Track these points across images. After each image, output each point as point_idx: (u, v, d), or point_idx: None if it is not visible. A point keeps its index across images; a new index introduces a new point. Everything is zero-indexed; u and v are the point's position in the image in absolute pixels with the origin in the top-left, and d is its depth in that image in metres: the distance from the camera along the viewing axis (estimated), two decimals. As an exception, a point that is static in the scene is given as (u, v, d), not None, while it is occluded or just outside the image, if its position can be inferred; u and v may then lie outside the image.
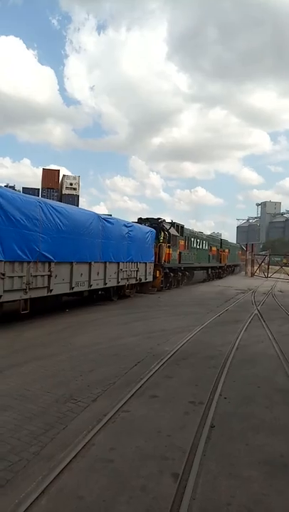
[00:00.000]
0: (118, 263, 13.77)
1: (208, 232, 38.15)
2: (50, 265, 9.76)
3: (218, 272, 32.77)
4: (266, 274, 38.61)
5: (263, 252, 53.25)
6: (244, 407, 4.47)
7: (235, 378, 5.48)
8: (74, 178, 61.07)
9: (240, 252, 45.75)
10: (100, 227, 12.39)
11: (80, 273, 11.22)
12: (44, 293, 9.72)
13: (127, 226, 14.60)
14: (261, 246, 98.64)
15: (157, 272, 18.10)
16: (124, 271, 14.35)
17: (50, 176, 61.68)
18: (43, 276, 9.58)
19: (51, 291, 9.90)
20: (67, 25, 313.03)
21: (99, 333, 8.47)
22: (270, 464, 3.24)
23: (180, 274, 21.75)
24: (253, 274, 39.41)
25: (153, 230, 17.53)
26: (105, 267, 12.81)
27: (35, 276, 9.26)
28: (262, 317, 11.40)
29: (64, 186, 58.93)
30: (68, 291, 10.85)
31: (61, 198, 56.60)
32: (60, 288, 10.36)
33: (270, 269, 39.46)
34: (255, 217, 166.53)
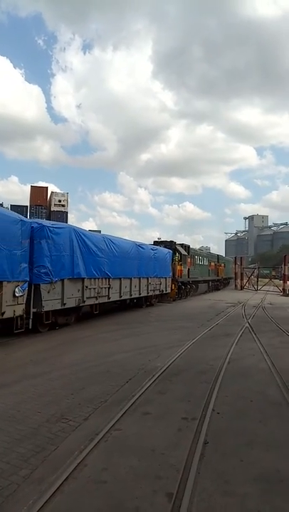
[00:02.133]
0: (147, 278, 18.32)
1: (197, 247, 39.93)
2: (109, 280, 14.08)
3: (217, 285, 36.63)
4: (256, 287, 38.83)
5: (252, 265, 53.67)
6: (237, 421, 4.43)
7: (228, 393, 5.44)
8: (62, 194, 61.07)
9: (233, 265, 46.11)
10: (136, 251, 16.94)
11: (125, 285, 15.65)
12: (105, 300, 14.07)
13: (152, 250, 19.27)
14: (250, 259, 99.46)
15: (173, 285, 22.44)
16: (152, 284, 18.90)
17: (38, 193, 61.64)
18: (105, 288, 13.90)
19: (109, 298, 14.35)
20: (53, 45, 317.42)
21: (90, 350, 8.38)
22: (266, 480, 3.20)
23: (188, 286, 26.30)
24: (242, 287, 39.56)
25: (170, 251, 22.03)
26: (140, 281, 17.34)
27: (101, 288, 13.54)
28: (253, 330, 11.40)
29: (53, 203, 58.89)
30: (118, 298, 15.35)
31: (50, 214, 56.43)
32: (114, 296, 14.77)
33: (259, 282, 39.71)
34: (243, 231, 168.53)
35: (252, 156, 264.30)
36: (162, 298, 21.50)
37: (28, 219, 11.26)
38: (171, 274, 21.81)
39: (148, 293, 18.55)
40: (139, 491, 3.00)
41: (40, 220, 13.08)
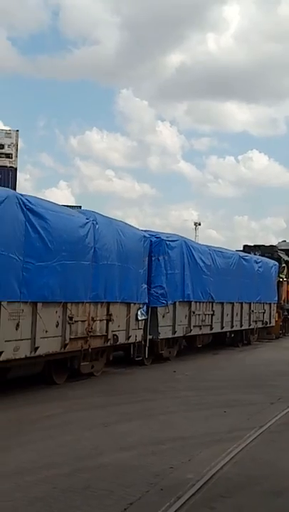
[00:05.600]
0: (250, 304, 22.53)
1: (273, 240, 39.46)
2: (212, 305, 18.64)
3: None
4: None
5: None
6: None
7: None
8: (7, 133, 60.06)
9: None
10: (238, 265, 21.49)
11: (227, 313, 19.87)
12: (208, 330, 18.63)
13: (256, 262, 23.35)
14: None
15: (276, 314, 25.84)
16: (255, 313, 22.99)
17: None
18: (209, 315, 18.28)
19: (212, 328, 18.77)
20: None
21: (53, 444, 8.12)
22: None
23: None
24: None
25: (276, 263, 25.65)
26: (241, 308, 21.51)
27: (205, 314, 17.94)
28: None
29: (-12, 151, 58.89)
30: (220, 330, 19.79)
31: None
32: (216, 326, 19.25)
33: None
34: None
35: None
36: (263, 333, 25.52)
37: (146, 233, 15.86)
38: (276, 298, 25.56)
39: (249, 325, 22.82)
40: None
41: (154, 232, 16.94)
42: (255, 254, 25.28)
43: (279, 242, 34.27)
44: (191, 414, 10.83)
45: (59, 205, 13.64)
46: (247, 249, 26.27)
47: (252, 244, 27.94)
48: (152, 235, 15.46)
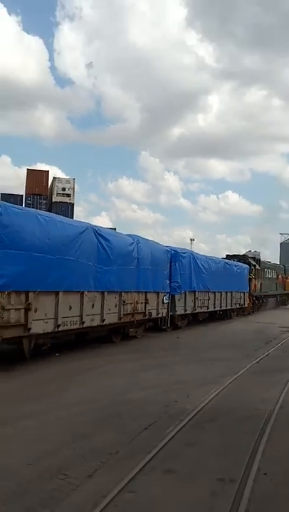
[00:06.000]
0: (232, 292, 26.39)
1: (243, 251, 42.40)
2: (208, 293, 22.72)
3: (284, 299, 42.87)
4: None
5: None
6: (291, 487, 4.37)
7: (279, 447, 5.38)
8: (67, 181, 61.20)
9: None
10: (224, 267, 25.37)
11: (217, 298, 24.13)
12: (206, 309, 23.00)
13: (235, 266, 27.47)
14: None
15: (248, 299, 29.62)
16: (235, 298, 26.99)
17: (36, 179, 62.06)
18: (206, 299, 22.60)
19: (208, 308, 23.09)
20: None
21: (98, 386, 8.49)
22: None
23: (261, 301, 34.14)
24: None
25: (248, 266, 29.57)
26: (226, 295, 25.55)
27: (204, 299, 22.31)
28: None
29: (55, 192, 59.12)
30: (213, 309, 23.95)
31: (51, 206, 56.82)
32: (211, 307, 23.40)
33: None
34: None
35: None
36: (240, 311, 29.18)
37: (169, 247, 19.31)
38: (248, 288, 29.34)
39: (232, 306, 26.62)
40: None
41: (173, 247, 20.34)
42: (233, 260, 29.47)
43: (246, 252, 38.90)
44: (189, 366, 10.98)
45: (116, 231, 16.40)
46: (228, 257, 31.02)
47: (231, 254, 33.06)
48: (172, 249, 19.05)
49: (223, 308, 25.33)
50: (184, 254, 19.84)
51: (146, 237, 17.29)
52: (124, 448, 5.20)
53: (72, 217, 33.26)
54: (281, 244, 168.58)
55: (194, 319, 22.20)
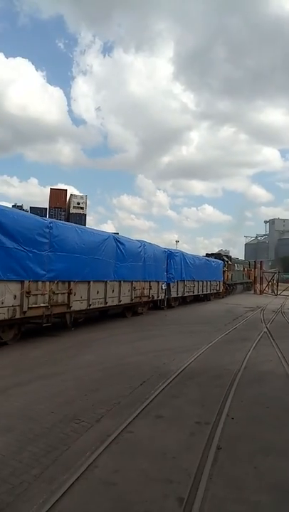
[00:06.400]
0: (210, 281, 27.31)
1: (215, 250, 43.30)
2: (193, 282, 23.37)
3: (248, 286, 42.40)
4: (276, 291, 38.22)
5: (272, 270, 52.80)
6: (252, 428, 4.36)
7: (243, 398, 5.37)
8: (81, 197, 61.51)
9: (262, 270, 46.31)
10: (205, 263, 26.46)
11: (200, 285, 24.88)
12: (192, 293, 23.64)
13: (213, 262, 28.63)
14: (270, 263, 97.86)
15: (223, 286, 30.88)
16: (213, 285, 28.04)
17: (57, 196, 62.21)
18: (192, 286, 23.43)
19: (194, 293, 23.89)
20: (74, 48, 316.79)
21: (104, 352, 8.44)
22: (281, 489, 3.13)
23: (232, 287, 35.32)
24: (262, 292, 38.99)
25: (222, 262, 30.81)
26: (207, 283, 26.43)
27: (191, 286, 23.17)
28: (271, 335, 11.25)
29: (71, 205, 59.36)
30: (197, 293, 24.55)
31: (68, 217, 56.93)
32: (196, 291, 24.21)
33: (279, 287, 39.06)
34: (264, 235, 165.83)
35: (275, 159, 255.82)
36: (216, 295, 29.89)
37: (166, 249, 20.24)
38: (222, 278, 30.40)
39: (210, 291, 27.45)
40: (149, 494, 2.98)
41: (169, 248, 21.78)
42: (212, 257, 30.64)
43: (218, 250, 44.32)
44: (174, 336, 10.94)
45: (130, 238, 16.27)
46: (208, 255, 32.06)
47: (210, 253, 34.97)
48: (168, 250, 20.23)
49: (204, 292, 26.03)
50: (176, 254, 20.83)
51: (148, 241, 17.59)
52: (124, 399, 5.19)
53: (85, 225, 34.67)
54: (245, 244, 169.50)
55: (183, 301, 22.74)
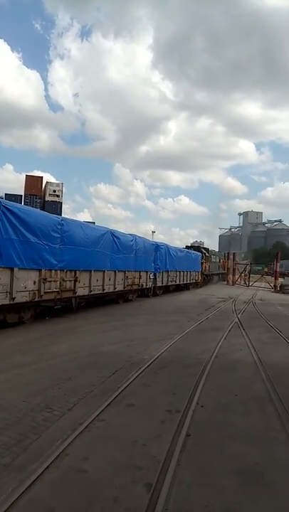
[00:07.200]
0: (190, 271, 28.59)
1: (190, 241, 44.41)
2: (175, 272, 24.84)
3: (224, 277, 44.07)
4: (247, 282, 39.05)
5: (245, 261, 53.85)
6: (221, 415, 4.48)
7: (213, 386, 5.49)
8: (57, 185, 60.21)
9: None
10: (186, 255, 27.44)
11: (181, 275, 26.38)
12: (175, 282, 25.11)
13: (193, 254, 30.08)
14: (243, 255, 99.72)
15: (201, 276, 32.25)
16: (192, 275, 29.40)
17: (33, 183, 60.62)
18: (176, 276, 24.95)
19: (176, 282, 25.24)
20: (51, 30, 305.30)
21: (78, 342, 8.38)
22: (245, 473, 3.24)
23: (209, 277, 37.29)
24: (234, 283, 39.77)
25: (200, 254, 32.35)
26: (188, 273, 28.15)
27: (174, 276, 24.59)
28: (242, 325, 11.49)
29: (47, 193, 58.00)
30: (179, 282, 25.98)
31: (44, 204, 55.71)
32: (178, 281, 25.69)
33: (251, 278, 39.92)
34: (238, 227, 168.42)
35: (250, 152, 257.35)
36: (195, 284, 31.24)
37: (153, 242, 21.88)
38: (201, 269, 31.85)
39: (190, 281, 28.87)
40: (118, 480, 3.02)
41: (156, 241, 23.51)
42: (192, 249, 31.66)
43: (193, 242, 45.91)
44: (147, 326, 10.93)
45: (123, 233, 17.11)
46: (188, 247, 32.87)
47: (189, 245, 36.72)
48: (155, 243, 21.59)
49: (185, 282, 27.43)
50: (162, 246, 22.02)
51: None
52: (97, 388, 5.21)
53: (61, 214, 34.24)
54: (220, 236, 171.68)
55: (167, 289, 24.18)
